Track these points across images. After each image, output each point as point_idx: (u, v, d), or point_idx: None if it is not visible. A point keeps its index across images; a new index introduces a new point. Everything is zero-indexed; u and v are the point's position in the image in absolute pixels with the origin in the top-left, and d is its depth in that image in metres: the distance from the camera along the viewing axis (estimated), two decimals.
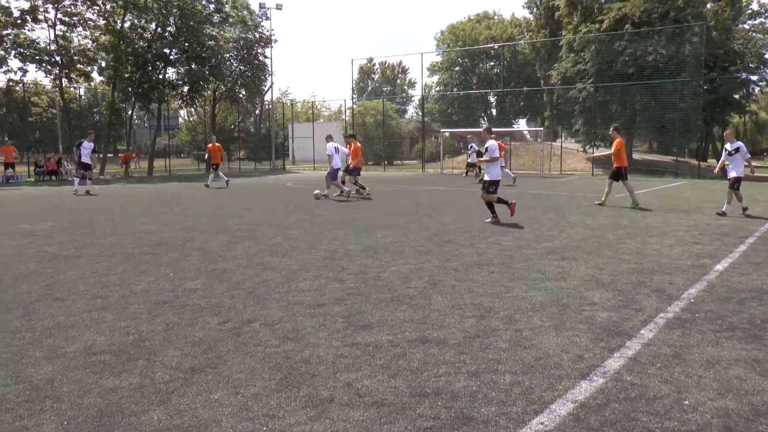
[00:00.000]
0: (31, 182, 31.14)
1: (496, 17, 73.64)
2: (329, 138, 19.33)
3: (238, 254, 8.69)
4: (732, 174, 13.63)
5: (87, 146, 21.08)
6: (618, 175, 15.69)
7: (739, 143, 13.80)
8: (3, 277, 7.26)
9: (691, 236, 10.25)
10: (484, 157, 12.44)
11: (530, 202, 16.98)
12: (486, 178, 12.41)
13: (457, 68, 69.60)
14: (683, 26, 33.43)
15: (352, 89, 63.39)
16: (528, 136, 56.73)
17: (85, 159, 21.10)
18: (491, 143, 12.32)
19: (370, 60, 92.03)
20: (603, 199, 15.92)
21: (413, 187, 24.49)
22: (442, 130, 44.61)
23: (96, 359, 4.44)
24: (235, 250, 9.01)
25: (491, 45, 59.77)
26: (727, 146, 14.01)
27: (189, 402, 3.70)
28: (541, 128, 42.01)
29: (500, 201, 12.40)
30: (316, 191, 18.76)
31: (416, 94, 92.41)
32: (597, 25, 36.47)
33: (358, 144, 20.22)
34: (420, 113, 58.09)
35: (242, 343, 4.77)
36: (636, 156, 43.80)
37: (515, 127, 60.48)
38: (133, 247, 9.35)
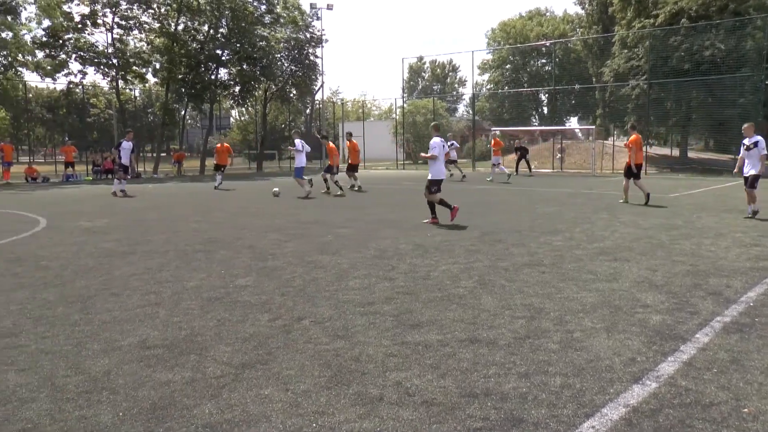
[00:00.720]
0: (89, 180, 32.07)
1: (548, 14, 72.72)
2: (296, 134, 20.21)
3: (289, 252, 8.78)
4: (750, 171, 12.72)
5: (126, 146, 20.53)
6: (631, 173, 15.69)
7: (758, 137, 12.72)
8: (63, 273, 7.50)
9: (750, 238, 9.93)
10: (423, 154, 12.38)
11: (581, 201, 16.71)
12: (429, 176, 12.14)
13: (508, 66, 68.97)
14: (744, 19, 32.38)
15: (403, 88, 63.42)
16: (579, 135, 55.80)
17: (124, 160, 20.51)
18: (435, 141, 12.07)
19: (420, 58, 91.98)
20: (625, 197, 15.79)
21: (463, 186, 24.36)
22: (492, 129, 44.28)
23: (150, 353, 4.55)
24: (286, 248, 9.11)
25: (543, 42, 59.02)
26: (745, 141, 12.90)
27: (239, 397, 3.76)
28: (593, 126, 41.34)
29: (442, 203, 12.04)
30: (276, 189, 19.70)
31: (467, 92, 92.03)
32: (651, 20, 35.63)
33: (332, 144, 21.25)
34: (470, 112, 57.76)
35: (292, 340, 4.83)
36: (692, 154, 42.70)
37: (566, 126, 59.66)
38: (186, 245, 9.55)
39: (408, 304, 5.87)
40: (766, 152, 12.64)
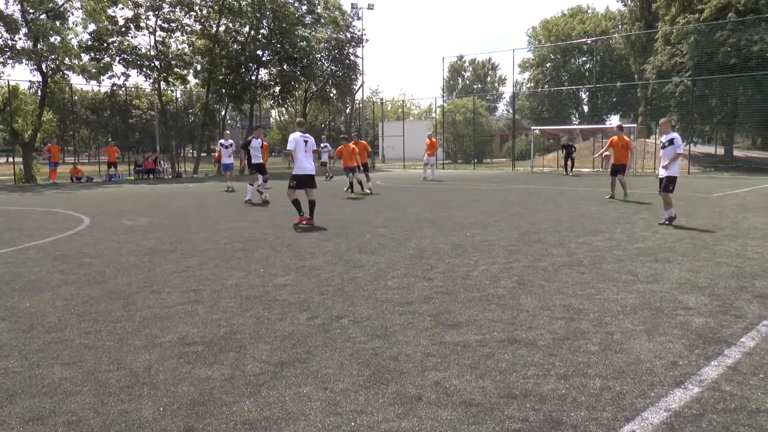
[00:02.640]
0: (131, 180, 32.69)
1: (589, 11, 71.74)
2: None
3: (328, 251, 8.83)
4: (664, 174, 11.44)
5: (255, 144, 17.30)
6: (617, 171, 16.31)
7: (675, 134, 11.44)
8: (106, 270, 7.66)
9: None
10: (290, 148, 12.04)
11: (621, 201, 16.45)
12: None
13: (548, 64, 68.26)
14: None
15: (443, 87, 63.20)
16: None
17: (256, 159, 17.26)
18: (292, 136, 11.88)
19: (461, 57, 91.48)
20: (612, 193, 16.11)
21: (503, 185, 24.19)
22: (532, 128, 43.88)
23: (189, 350, 4.62)
24: (325, 248, 9.16)
25: (584, 39, 58.26)
26: (662, 138, 11.71)
27: (278, 395, 3.79)
28: (634, 125, 40.64)
29: (294, 204, 11.87)
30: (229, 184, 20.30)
31: (506, 91, 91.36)
32: (696, 15, 34.88)
33: (352, 145, 19.92)
34: (510, 111, 57.34)
35: (331, 338, 4.85)
36: (737, 152, 41.69)
37: (607, 124, 58.80)
38: (225, 243, 9.67)
39: (446, 304, 5.85)
40: (681, 150, 11.46)
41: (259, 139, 17.51)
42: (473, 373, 4.10)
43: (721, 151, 40.12)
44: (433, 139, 29.54)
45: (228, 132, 23.78)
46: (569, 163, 32.06)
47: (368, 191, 19.68)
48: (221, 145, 22.23)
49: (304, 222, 11.64)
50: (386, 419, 3.45)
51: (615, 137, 16.76)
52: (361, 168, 19.73)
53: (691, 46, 34.01)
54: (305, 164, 11.95)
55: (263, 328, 5.15)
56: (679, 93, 35.24)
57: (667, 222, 11.35)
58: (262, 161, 17.36)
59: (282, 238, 10.22)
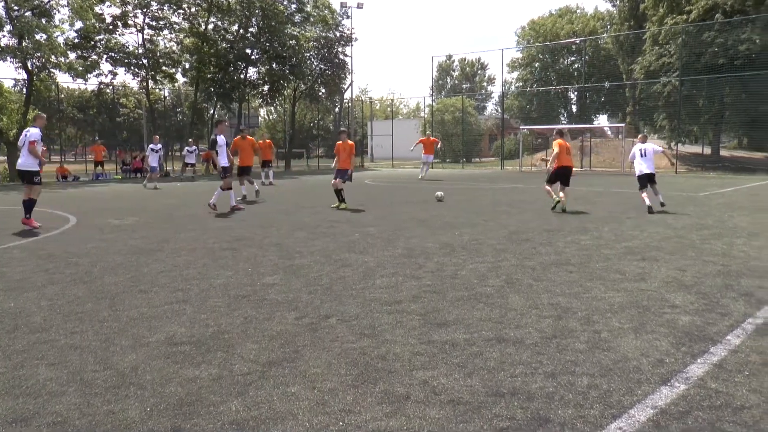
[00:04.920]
0: (118, 179, 32.52)
1: (578, 11, 71.98)
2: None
3: (316, 250, 8.82)
4: (651, 170, 14.06)
5: (220, 142, 14.96)
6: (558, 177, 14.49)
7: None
8: (93, 269, 7.62)
9: None
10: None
11: (610, 200, 16.54)
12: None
13: (537, 64, 68.46)
14: None
15: (432, 86, 63.25)
16: (609, 133, 55.24)
17: (222, 160, 14.99)
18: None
19: (450, 57, 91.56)
20: (557, 199, 14.06)
21: (492, 184, 24.26)
22: (521, 127, 44.04)
23: (177, 350, 4.61)
24: (313, 247, 9.15)
25: (573, 40, 58.49)
26: (647, 147, 14.30)
27: (266, 394, 3.79)
28: (623, 124, 40.86)
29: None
30: (439, 193, 17.29)
31: (495, 90, 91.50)
32: (684, 16, 35.12)
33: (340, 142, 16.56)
34: (499, 110, 57.48)
35: (319, 338, 4.85)
36: (724, 152, 41.97)
37: (595, 124, 59.07)
38: (213, 242, 9.64)
39: (435, 302, 5.86)
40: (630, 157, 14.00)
41: (222, 136, 15.04)
42: (461, 372, 4.11)
43: (708, 150, 40.43)
44: (432, 137, 29.38)
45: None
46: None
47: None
48: (151, 149, 24.50)
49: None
50: (374, 418, 3.46)
51: (560, 140, 14.74)
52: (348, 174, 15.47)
53: (679, 46, 34.24)
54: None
55: (251, 327, 5.14)
56: (666, 93, 35.50)
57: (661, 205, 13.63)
58: (227, 163, 14.97)
59: (270, 237, 10.20)
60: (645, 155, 14.18)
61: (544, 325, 5.13)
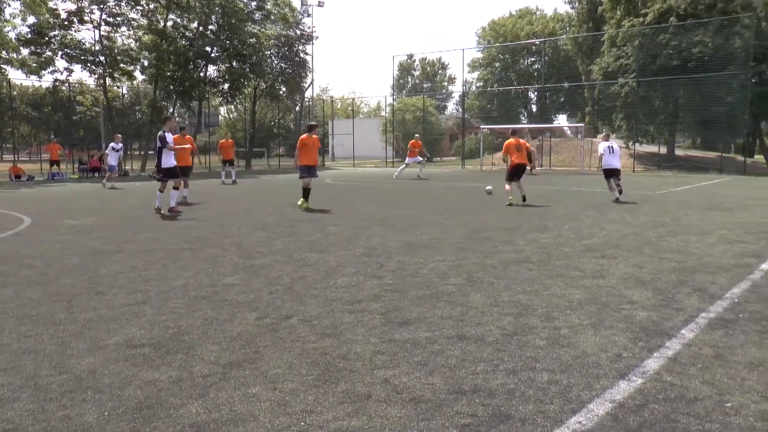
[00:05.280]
0: (75, 179, 31.87)
1: (538, 12, 72.89)
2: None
3: (277, 250, 8.77)
4: (617, 165, 15.93)
5: (169, 139, 14.11)
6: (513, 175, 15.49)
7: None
8: (48, 271, 7.46)
9: (735, 235, 10.01)
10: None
11: (570, 198, 16.79)
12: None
13: (497, 64, 69.11)
14: (732, 18, 32.56)
15: (392, 86, 63.32)
16: (568, 132, 55.98)
17: (167, 162, 14.07)
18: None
19: (410, 56, 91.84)
20: (511, 200, 15.09)
21: (453, 184, 24.40)
22: (482, 127, 44.38)
23: (136, 352, 4.53)
24: (274, 246, 9.10)
25: (533, 41, 59.19)
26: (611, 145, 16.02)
27: (227, 396, 3.75)
28: (582, 124, 41.46)
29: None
30: (489, 187, 18.47)
31: (456, 90, 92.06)
32: (641, 19, 35.83)
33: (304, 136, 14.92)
34: (460, 110, 57.83)
35: (280, 338, 4.82)
36: (679, 152, 42.87)
37: (555, 124, 59.83)
38: (173, 243, 9.51)
39: (396, 301, 5.88)
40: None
41: (170, 134, 14.22)
42: (422, 370, 4.12)
43: (664, 150, 41.27)
44: (419, 141, 29.36)
45: (119, 135, 24.99)
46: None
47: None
48: (112, 148, 24.29)
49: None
50: (336, 418, 3.45)
51: (511, 139, 15.65)
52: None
53: (636, 48, 34.92)
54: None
55: (212, 328, 5.09)
56: (624, 94, 36.17)
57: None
58: (173, 164, 14.10)
59: (231, 237, 10.10)
60: (613, 152, 15.93)
61: (504, 322, 5.18)
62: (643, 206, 14.57)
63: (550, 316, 5.36)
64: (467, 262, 7.77)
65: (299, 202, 14.55)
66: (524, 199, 15.10)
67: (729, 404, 3.58)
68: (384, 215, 12.96)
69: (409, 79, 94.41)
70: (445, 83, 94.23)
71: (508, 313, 5.44)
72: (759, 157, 42.34)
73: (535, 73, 66.07)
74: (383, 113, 63.23)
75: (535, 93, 66.01)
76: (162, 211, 13.69)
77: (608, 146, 15.98)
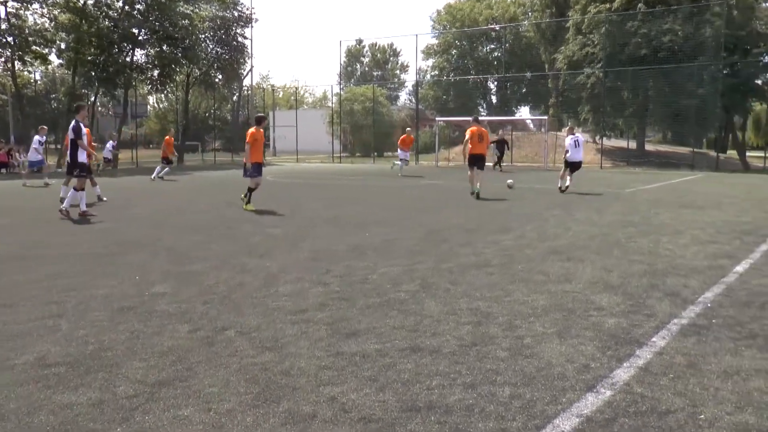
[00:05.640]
0: None
1: None
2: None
3: (213, 255, 8.67)
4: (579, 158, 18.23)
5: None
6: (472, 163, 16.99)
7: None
8: None
9: (708, 235, 10.29)
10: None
11: (533, 197, 17.02)
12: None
13: (453, 51, 69.58)
14: (702, 5, 33.49)
15: (339, 74, 63.31)
16: (531, 126, 56.79)
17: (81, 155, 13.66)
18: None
19: (360, 42, 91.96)
20: (477, 188, 16.60)
21: (406, 181, 24.49)
22: (437, 119, 44.65)
23: (49, 372, 4.39)
24: (210, 250, 8.99)
25: (492, 26, 59.82)
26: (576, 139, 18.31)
27: (155, 419, 3.67)
28: (546, 117, 42.11)
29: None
30: (510, 181, 19.82)
31: (409, 79, 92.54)
32: (607, 5, 36.53)
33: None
34: (413, 100, 58.15)
35: (215, 353, 4.75)
36: (649, 147, 43.95)
37: (517, 116, 60.63)
38: (95, 247, 9.30)
39: (343, 311, 5.85)
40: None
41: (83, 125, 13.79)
42: (373, 386, 4.11)
43: (633, 145, 42.20)
44: (411, 135, 29.88)
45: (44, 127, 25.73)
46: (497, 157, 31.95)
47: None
48: (38, 141, 24.66)
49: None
50: None
51: (473, 127, 17.22)
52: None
53: (603, 36, 35.60)
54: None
55: (138, 343, 4.98)
56: (590, 85, 36.82)
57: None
58: (87, 159, 13.89)
59: (161, 240, 9.94)
60: (578, 145, 18.13)
61: (462, 332, 5.20)
62: (611, 205, 14.86)
63: (512, 324, 5.40)
64: (422, 267, 7.79)
65: (246, 205, 14.18)
66: (477, 196, 16.16)
67: (702, 416, 3.65)
68: (331, 215, 12.93)
69: (358, 67, 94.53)
70: (398, 71, 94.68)
71: (466, 322, 5.46)
72: (732, 153, 43.65)
73: (495, 62, 66.73)
74: (330, 103, 63.19)
75: (495, 83, 66.78)
76: (67, 212, 13.01)
77: (574, 140, 18.08)
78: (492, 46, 69.48)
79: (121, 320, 5.58)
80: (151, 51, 40.75)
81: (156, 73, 41.69)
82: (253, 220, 12.33)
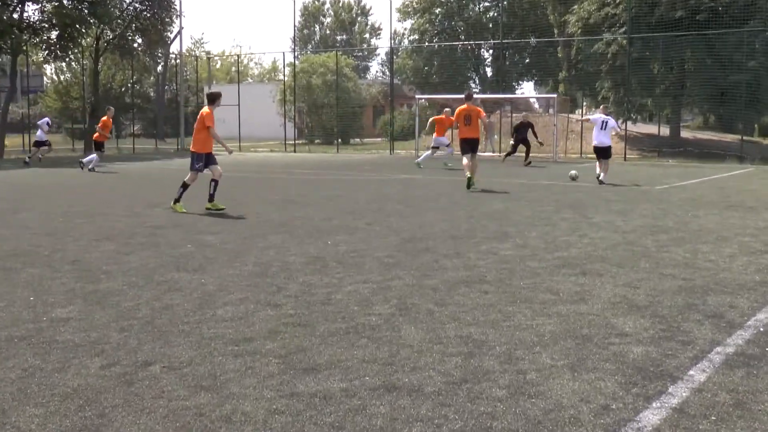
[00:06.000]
0: None
1: None
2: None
3: (132, 269, 8.64)
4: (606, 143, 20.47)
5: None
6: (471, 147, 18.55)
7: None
8: None
9: (761, 243, 10.43)
10: None
11: (539, 195, 17.12)
12: None
13: (438, 11, 69.51)
14: None
15: (293, 38, 63.16)
16: (536, 106, 57.07)
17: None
18: None
19: None
20: (470, 176, 18.13)
21: (378, 175, 24.52)
22: (417, 96, 44.65)
23: None
24: (127, 264, 8.96)
25: None
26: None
27: None
28: (554, 95, 42.27)
29: None
30: (573, 172, 21.40)
31: (382, 45, 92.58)
32: None
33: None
34: (387, 72, 58.14)
35: (136, 394, 4.74)
36: (685, 134, 44.22)
37: (518, 93, 60.80)
38: None
39: (300, 339, 5.87)
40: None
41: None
42: None
43: (665, 131, 42.37)
44: (450, 115, 28.51)
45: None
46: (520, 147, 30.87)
47: None
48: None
49: None
50: None
51: (465, 106, 18.91)
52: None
53: None
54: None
55: (33, 383, 4.95)
56: (611, 55, 36.81)
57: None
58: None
59: (64, 251, 9.89)
60: (605, 128, 20.18)
61: (450, 365, 5.24)
62: (638, 205, 15.00)
63: (512, 355, 5.45)
64: (398, 283, 7.82)
65: (175, 204, 14.16)
66: (469, 184, 17.84)
67: None
68: (283, 218, 12.93)
69: (317, 30, 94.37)
70: (367, 36, 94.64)
71: (455, 353, 5.50)
72: None
73: (491, 24, 66.84)
74: (281, 76, 63.00)
75: (491, 51, 66.70)
76: None
77: (602, 120, 20.32)
78: (487, 4, 69.60)
79: (11, 354, 5.55)
80: (48, 6, 40.33)
81: (54, 34, 41.23)
82: (182, 224, 12.30)
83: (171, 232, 11.51)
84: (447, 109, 30.34)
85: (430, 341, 5.80)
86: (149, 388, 4.85)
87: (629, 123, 38.77)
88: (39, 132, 31.63)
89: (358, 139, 54.25)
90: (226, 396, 4.70)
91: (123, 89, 61.85)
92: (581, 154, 35.71)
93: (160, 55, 60.21)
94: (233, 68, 71.51)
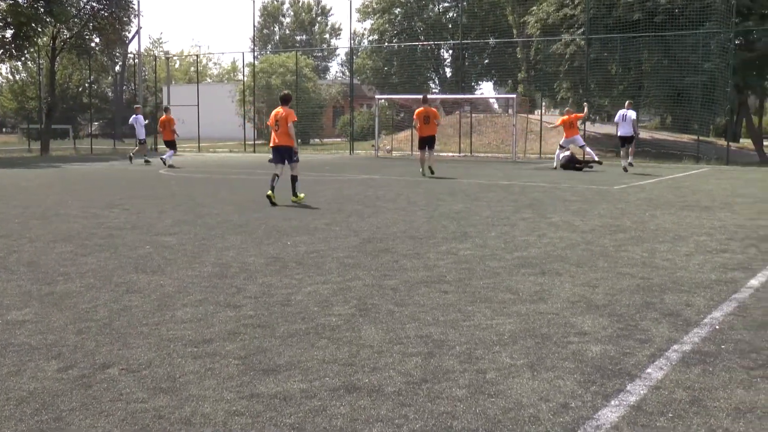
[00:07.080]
0: None
1: None
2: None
3: (89, 270, 8.57)
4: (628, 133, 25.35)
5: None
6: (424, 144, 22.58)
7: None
8: None
9: (717, 242, 10.57)
10: None
11: (498, 195, 17.21)
12: None
13: (397, 11, 69.65)
14: None
15: (253, 38, 62.90)
16: (495, 106, 57.38)
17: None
18: None
19: None
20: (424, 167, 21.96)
21: (337, 175, 24.51)
22: (377, 96, 44.70)
23: None
24: (85, 265, 8.88)
25: None
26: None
27: None
28: (514, 95, 42.53)
29: None
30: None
31: (342, 45, 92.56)
32: None
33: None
34: (347, 72, 58.13)
35: (94, 397, 4.69)
36: (644, 134, 44.57)
37: (477, 94, 61.07)
38: None
39: (259, 340, 5.85)
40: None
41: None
42: None
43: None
44: (573, 114, 28.17)
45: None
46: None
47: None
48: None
49: None
50: None
51: (421, 108, 22.35)
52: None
53: None
54: None
55: None
56: (570, 55, 37.17)
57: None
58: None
59: (19, 252, 9.78)
60: (625, 120, 25.00)
61: (410, 365, 5.25)
62: (596, 205, 15.13)
63: (471, 355, 5.47)
64: (358, 284, 7.83)
65: (296, 197, 14.49)
66: (432, 172, 21.66)
67: None
68: (242, 219, 12.89)
69: (277, 29, 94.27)
70: (327, 36, 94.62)
71: (415, 353, 5.51)
72: (746, 142, 44.56)
73: (450, 25, 67.08)
74: (240, 76, 62.77)
75: (450, 52, 67.01)
76: None
77: (622, 114, 25.36)
78: (446, 5, 69.83)
79: None
80: (2, 4, 39.83)
81: (9, 33, 40.75)
82: (139, 225, 12.20)
83: (129, 233, 11.43)
84: (568, 108, 31.54)
85: (390, 341, 5.80)
86: (107, 390, 4.80)
87: (587, 123, 39.06)
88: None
89: (318, 140, 54.28)
90: (185, 398, 4.67)
91: (80, 89, 61.39)
92: (540, 154, 35.96)
93: (118, 54, 59.75)
94: (192, 68, 71.15)
